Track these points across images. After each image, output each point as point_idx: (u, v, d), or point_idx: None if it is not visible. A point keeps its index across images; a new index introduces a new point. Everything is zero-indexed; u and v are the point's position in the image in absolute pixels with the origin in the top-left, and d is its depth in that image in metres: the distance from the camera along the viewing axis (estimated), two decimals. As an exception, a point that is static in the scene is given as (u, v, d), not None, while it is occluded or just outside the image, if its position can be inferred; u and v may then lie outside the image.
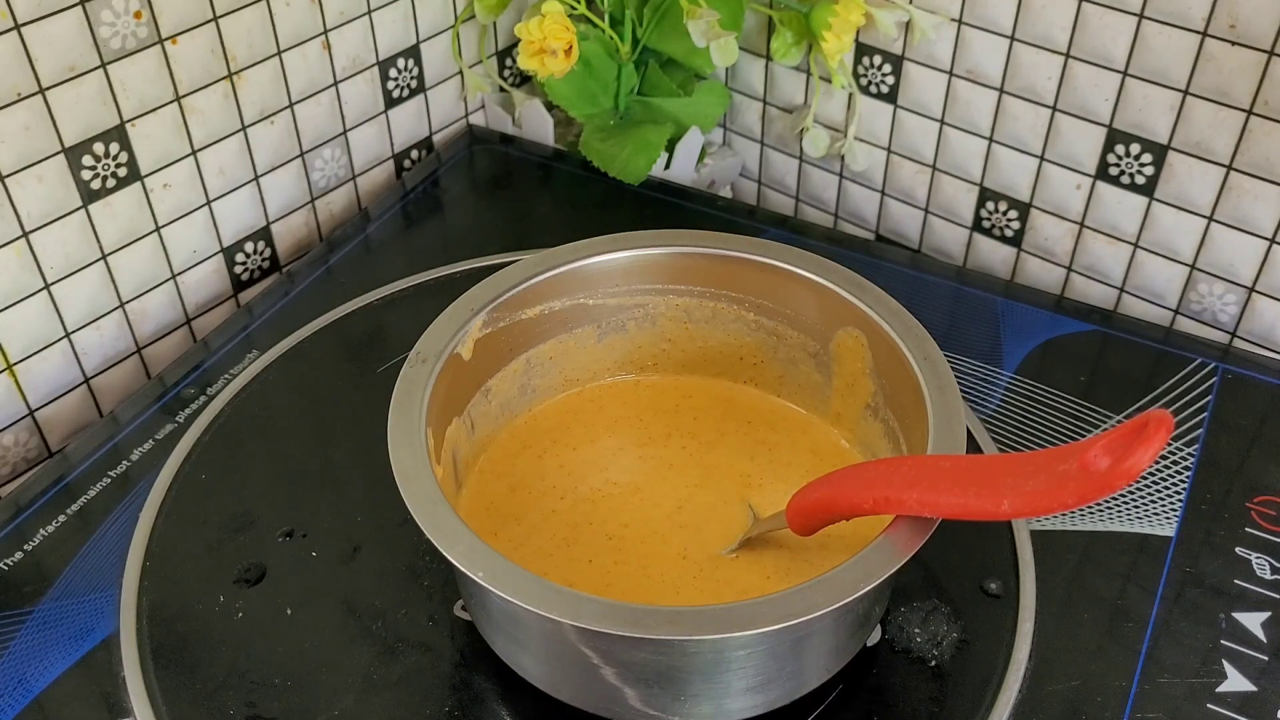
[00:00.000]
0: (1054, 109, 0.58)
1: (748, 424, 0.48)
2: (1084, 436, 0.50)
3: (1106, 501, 0.47)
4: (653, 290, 0.48)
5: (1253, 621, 0.43)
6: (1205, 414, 0.51)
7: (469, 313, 0.44)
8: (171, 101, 0.54)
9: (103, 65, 0.51)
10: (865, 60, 0.63)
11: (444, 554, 0.35)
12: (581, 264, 0.46)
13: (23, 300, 0.52)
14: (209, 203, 0.58)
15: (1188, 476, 0.48)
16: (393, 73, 0.65)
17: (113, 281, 0.55)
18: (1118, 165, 0.58)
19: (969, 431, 0.48)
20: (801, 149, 0.68)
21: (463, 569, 0.35)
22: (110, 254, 0.55)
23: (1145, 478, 0.48)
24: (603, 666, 0.36)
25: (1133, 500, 0.47)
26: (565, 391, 0.49)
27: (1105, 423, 0.50)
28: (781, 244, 0.47)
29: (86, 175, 0.52)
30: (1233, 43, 0.51)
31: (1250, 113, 0.52)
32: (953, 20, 0.59)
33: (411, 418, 0.40)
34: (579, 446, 0.47)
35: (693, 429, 0.48)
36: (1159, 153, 0.56)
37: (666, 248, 0.47)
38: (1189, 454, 0.49)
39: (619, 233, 0.47)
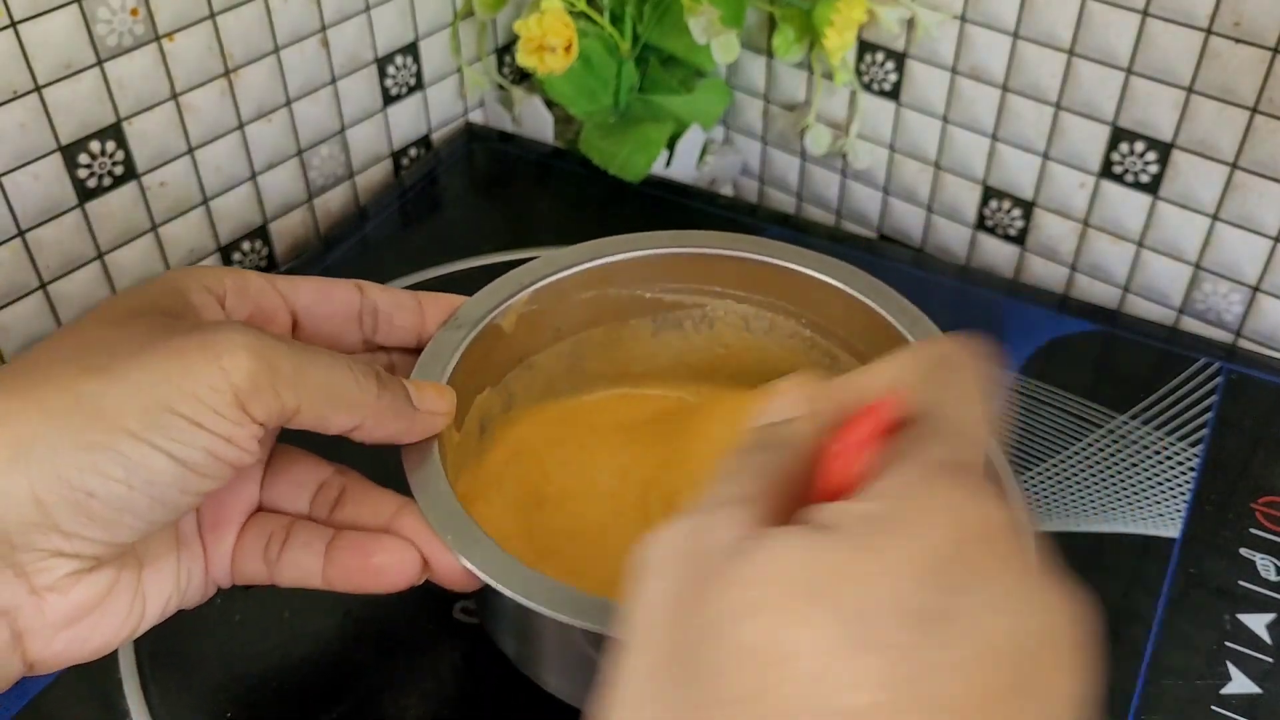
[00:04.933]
0: (1058, 107, 0.58)
1: None
2: (1087, 436, 0.49)
3: (1110, 503, 0.47)
4: (711, 292, 0.46)
5: (1257, 623, 0.43)
6: (1210, 414, 0.50)
7: (516, 287, 0.43)
8: (168, 99, 0.54)
9: (99, 63, 0.51)
10: (868, 57, 0.63)
11: (423, 511, 0.35)
12: (638, 255, 0.45)
13: (19, 299, 0.52)
14: (206, 201, 0.58)
15: (1192, 477, 0.48)
16: (391, 70, 0.65)
17: (109, 280, 0.55)
18: (1122, 164, 0.57)
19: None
20: (803, 147, 0.68)
21: (435, 527, 0.35)
22: (107, 253, 0.55)
23: (1150, 479, 0.48)
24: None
25: (1137, 501, 0.47)
26: (619, 386, 0.48)
27: (1109, 422, 0.50)
28: (847, 264, 0.44)
29: (83, 173, 0.52)
30: (1237, 40, 0.51)
31: (1255, 111, 0.52)
32: (956, 17, 0.59)
33: (431, 377, 0.39)
34: (618, 451, 0.46)
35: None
36: (1163, 151, 0.56)
37: (728, 250, 0.45)
38: (1193, 455, 0.48)
39: (682, 230, 0.46)
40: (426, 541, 0.35)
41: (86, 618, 0.31)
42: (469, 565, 0.34)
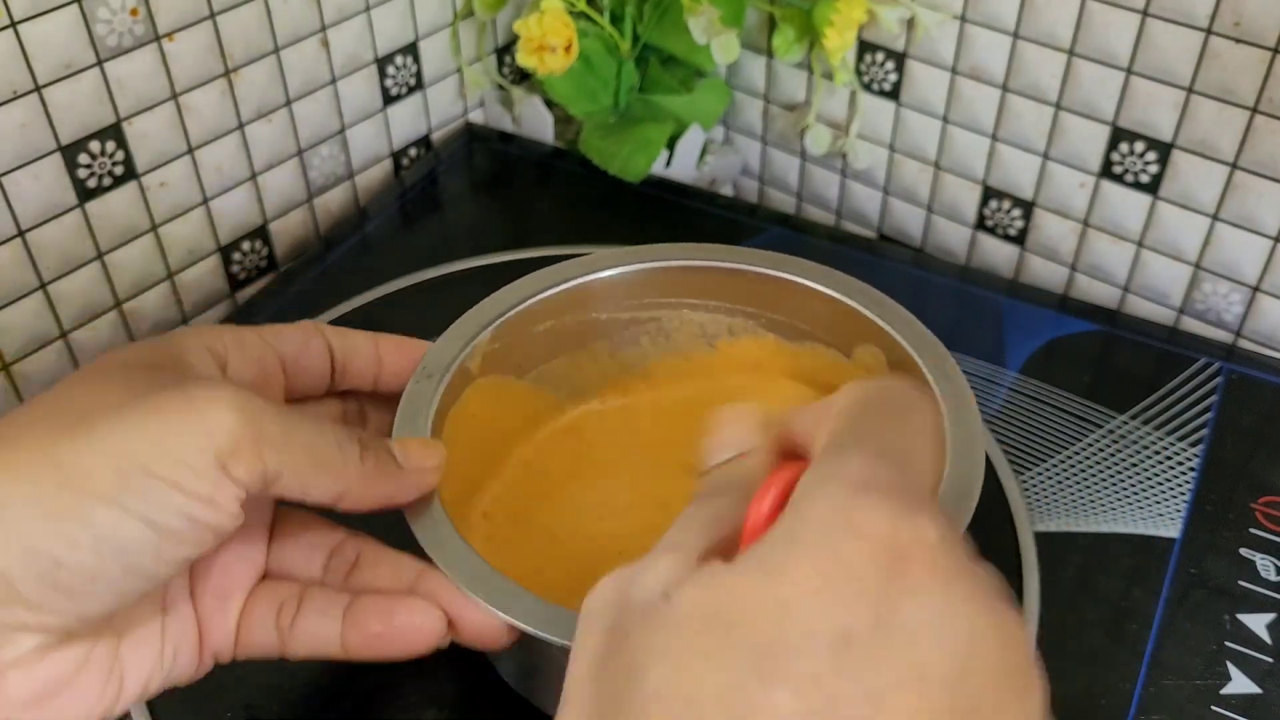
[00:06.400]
0: (1057, 107, 0.58)
1: None
2: (1087, 437, 0.49)
3: (1110, 503, 0.47)
4: (665, 304, 0.46)
5: (1257, 623, 0.43)
6: (1210, 414, 0.50)
7: (477, 327, 0.42)
8: (168, 99, 0.54)
9: (99, 63, 0.51)
10: (868, 57, 0.63)
11: (444, 569, 0.34)
12: (592, 278, 0.44)
13: (19, 299, 0.52)
14: (206, 201, 0.58)
15: (1192, 477, 0.48)
16: (391, 70, 0.65)
17: (109, 280, 0.55)
18: (1122, 164, 0.57)
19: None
20: (803, 147, 0.68)
21: (462, 585, 0.34)
22: (106, 253, 0.55)
23: (1150, 479, 0.48)
24: None
25: (1137, 501, 0.47)
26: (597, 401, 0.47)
27: (1109, 422, 0.50)
28: (798, 258, 0.44)
29: (83, 174, 0.52)
30: (1237, 40, 0.51)
31: (1255, 111, 0.52)
32: (956, 17, 0.59)
33: (414, 432, 0.38)
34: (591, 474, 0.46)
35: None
36: (1163, 151, 0.56)
37: (678, 261, 0.45)
38: (1193, 455, 0.48)
39: (632, 246, 0.45)
40: (451, 600, 0.33)
41: (54, 698, 0.29)
42: (511, 620, 0.33)
